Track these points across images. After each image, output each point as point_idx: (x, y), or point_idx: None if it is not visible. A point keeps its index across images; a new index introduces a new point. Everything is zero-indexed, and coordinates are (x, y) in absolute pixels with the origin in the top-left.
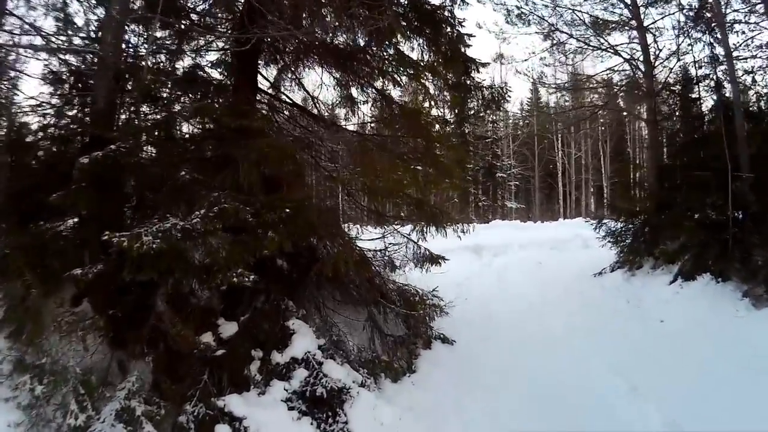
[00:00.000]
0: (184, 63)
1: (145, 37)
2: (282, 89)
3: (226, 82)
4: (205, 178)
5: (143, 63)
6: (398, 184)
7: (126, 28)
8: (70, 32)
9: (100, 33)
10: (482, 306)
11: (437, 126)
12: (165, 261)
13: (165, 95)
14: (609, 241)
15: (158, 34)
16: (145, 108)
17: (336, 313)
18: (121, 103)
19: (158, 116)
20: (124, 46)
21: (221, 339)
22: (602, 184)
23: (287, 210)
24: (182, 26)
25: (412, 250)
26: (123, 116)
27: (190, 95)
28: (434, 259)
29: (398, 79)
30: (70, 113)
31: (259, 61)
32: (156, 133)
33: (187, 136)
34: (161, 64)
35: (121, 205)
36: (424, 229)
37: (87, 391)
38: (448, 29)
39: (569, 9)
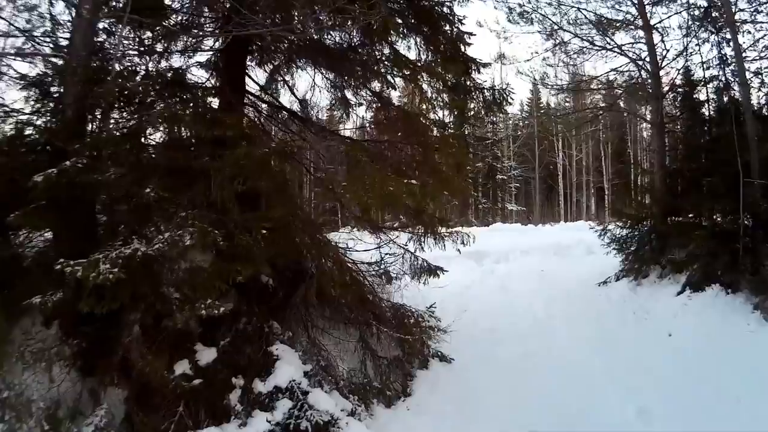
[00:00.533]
0: (166, 65)
1: (115, 36)
2: (272, 92)
3: (208, 85)
4: (173, 195)
5: (111, 65)
6: (391, 197)
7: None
8: (41, 33)
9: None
10: (483, 319)
11: (436, 130)
12: (126, 291)
13: (137, 101)
14: (614, 248)
15: (130, 33)
16: (116, 115)
17: (326, 333)
18: (91, 111)
19: (129, 125)
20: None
21: (198, 367)
22: (603, 185)
23: (264, 231)
24: (158, 25)
25: (409, 262)
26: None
27: (169, 100)
28: (432, 271)
29: (392, 81)
30: (38, 122)
31: (249, 63)
32: (124, 145)
33: (156, 145)
34: (137, 66)
35: (88, 224)
36: (422, 239)
37: (53, 426)
38: (447, 27)
39: (573, 7)
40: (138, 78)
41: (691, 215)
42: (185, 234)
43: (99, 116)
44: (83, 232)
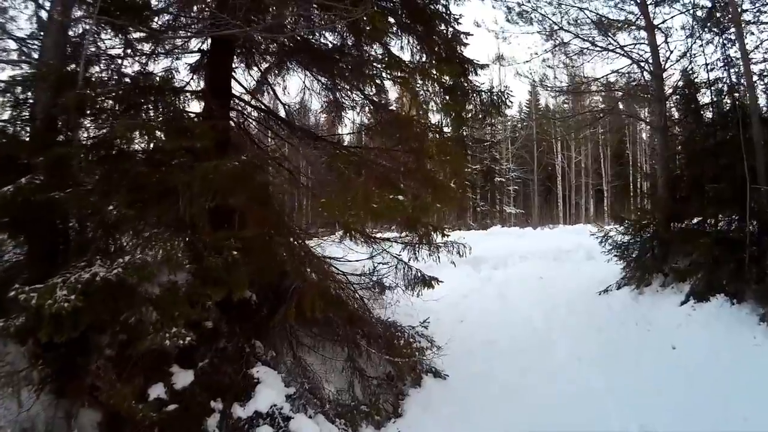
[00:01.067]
0: (139, 69)
1: (86, 37)
2: (260, 96)
3: (189, 89)
4: (139, 213)
5: (78, 70)
6: (376, 213)
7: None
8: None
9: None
10: (481, 330)
11: (431, 135)
12: (86, 319)
13: (108, 109)
14: (615, 255)
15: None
16: (88, 123)
17: (312, 352)
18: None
19: (97, 135)
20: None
21: (174, 390)
22: (603, 188)
23: (235, 252)
24: (131, 26)
25: (402, 272)
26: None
27: (145, 107)
28: (427, 282)
29: (382, 84)
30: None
31: (236, 66)
32: (90, 157)
33: (126, 157)
34: (110, 71)
35: (52, 245)
36: (416, 248)
37: None
38: (443, 26)
39: (574, 7)
40: (111, 83)
41: (694, 222)
42: (148, 256)
43: (66, 126)
44: (47, 253)
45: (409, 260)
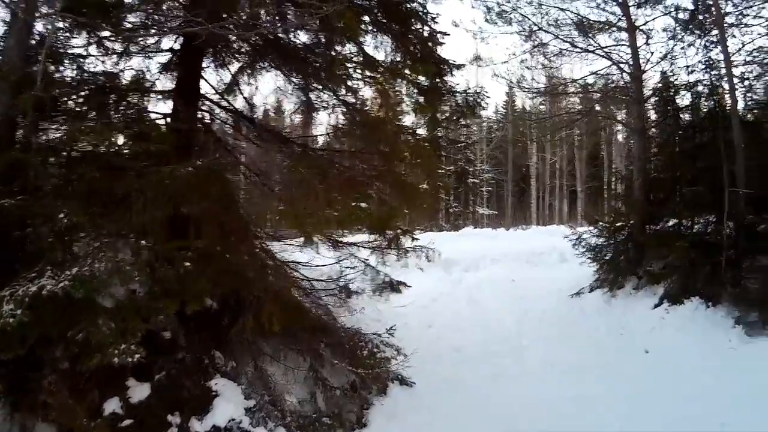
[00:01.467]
0: (103, 69)
1: (48, 35)
2: (229, 97)
3: (155, 88)
4: (92, 220)
5: (37, 69)
6: (335, 223)
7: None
8: None
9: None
10: (450, 335)
11: (404, 137)
12: (33, 333)
13: (68, 110)
14: (588, 258)
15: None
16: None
17: (274, 361)
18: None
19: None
20: None
21: (130, 405)
22: (577, 189)
23: (187, 263)
24: (95, 25)
25: (370, 276)
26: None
27: (108, 109)
28: (395, 286)
29: (356, 84)
30: None
31: (207, 66)
32: (41, 160)
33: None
34: (76, 71)
35: (7, 254)
36: (384, 253)
37: None
38: (419, 25)
39: (555, 7)
40: (74, 84)
41: (670, 224)
42: (96, 268)
43: (23, 129)
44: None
45: (377, 264)
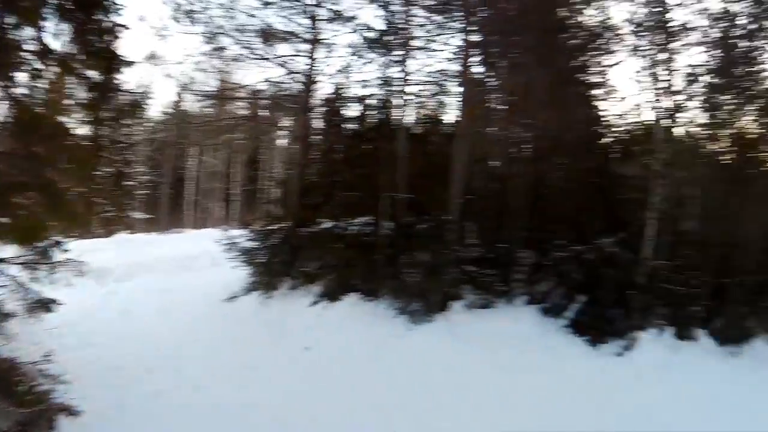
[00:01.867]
0: None
1: None
2: None
3: None
4: None
5: None
6: None
7: None
8: None
9: None
10: (109, 354)
11: (62, 137)
12: None
13: None
14: (242, 261)
15: None
16: None
17: None
18: None
19: None
20: None
21: None
22: (233, 192)
23: None
24: None
25: (20, 295)
26: None
27: None
28: (46, 305)
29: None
30: None
31: None
32: None
33: None
34: None
35: None
36: (35, 269)
37: None
38: (102, 15)
39: (245, 13)
40: None
41: (327, 227)
42: None
43: None
44: None
45: (29, 281)
